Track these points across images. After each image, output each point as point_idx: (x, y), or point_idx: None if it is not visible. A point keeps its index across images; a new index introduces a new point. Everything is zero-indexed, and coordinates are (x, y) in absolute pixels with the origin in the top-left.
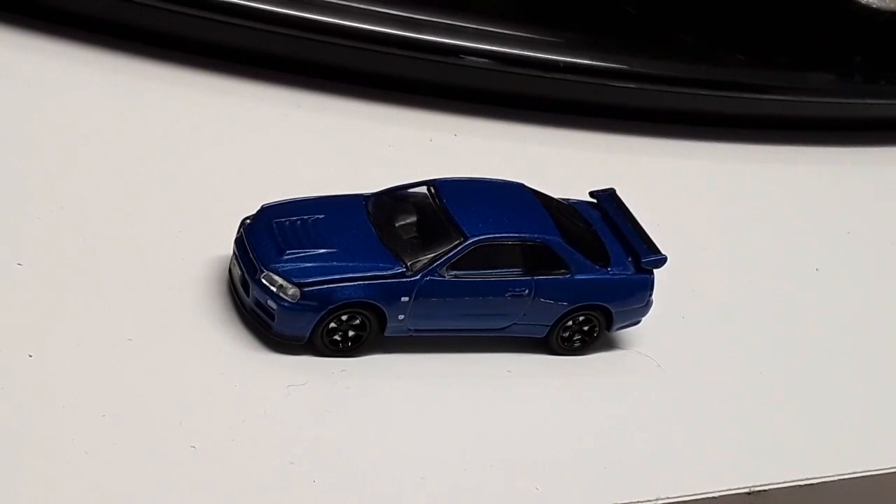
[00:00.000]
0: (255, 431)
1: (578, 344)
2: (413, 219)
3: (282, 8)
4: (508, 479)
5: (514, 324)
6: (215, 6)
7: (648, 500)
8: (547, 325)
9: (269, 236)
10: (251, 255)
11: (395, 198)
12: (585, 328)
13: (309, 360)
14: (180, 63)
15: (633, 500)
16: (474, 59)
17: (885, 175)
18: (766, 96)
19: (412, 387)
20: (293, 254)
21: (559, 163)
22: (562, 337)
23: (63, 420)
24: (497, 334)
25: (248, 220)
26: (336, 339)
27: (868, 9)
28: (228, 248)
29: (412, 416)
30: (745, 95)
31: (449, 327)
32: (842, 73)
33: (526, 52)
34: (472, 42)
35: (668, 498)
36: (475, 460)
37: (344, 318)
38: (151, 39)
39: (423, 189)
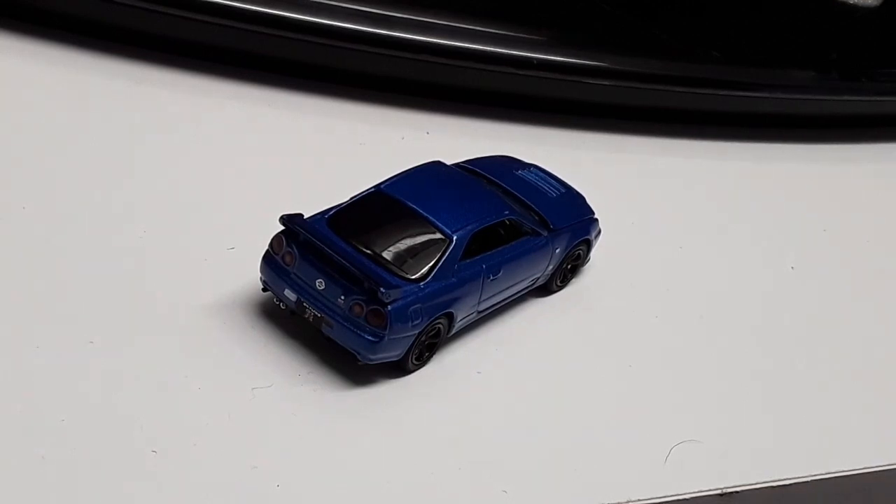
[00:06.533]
0: (218, 435)
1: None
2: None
3: (251, 5)
4: (476, 481)
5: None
6: (184, 3)
7: (619, 503)
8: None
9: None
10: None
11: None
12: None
13: (273, 362)
14: (146, 60)
15: (604, 503)
16: (447, 56)
17: (861, 173)
18: (741, 93)
19: (379, 389)
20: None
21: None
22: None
23: (19, 424)
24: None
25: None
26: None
27: (845, 5)
28: (191, 248)
29: (379, 418)
30: (720, 92)
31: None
32: (819, 69)
33: (499, 50)
34: (445, 39)
35: (639, 499)
36: (443, 463)
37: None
38: (114, 36)
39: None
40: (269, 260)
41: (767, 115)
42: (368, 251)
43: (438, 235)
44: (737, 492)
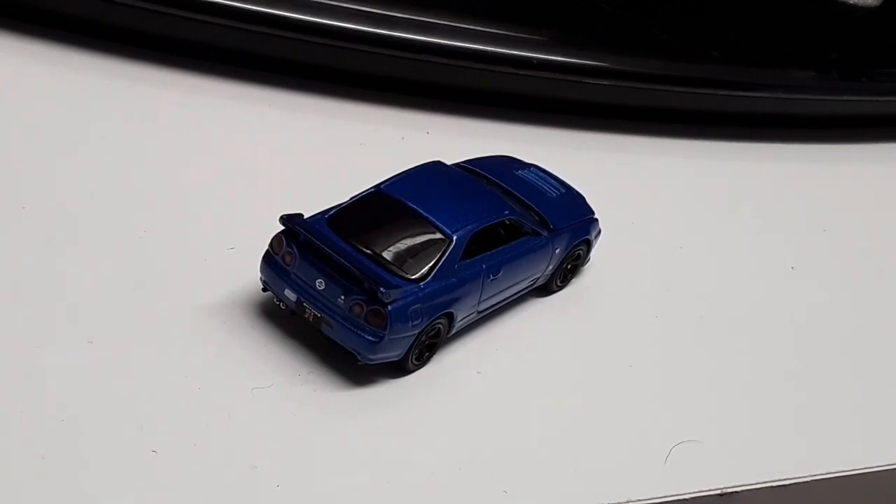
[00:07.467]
0: (218, 435)
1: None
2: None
3: (251, 5)
4: (476, 481)
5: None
6: (184, 3)
7: (619, 502)
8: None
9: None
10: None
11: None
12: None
13: (273, 362)
14: (146, 60)
15: (604, 503)
16: (447, 56)
17: (862, 173)
18: (741, 93)
19: (379, 389)
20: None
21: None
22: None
23: (19, 424)
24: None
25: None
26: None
27: (845, 5)
28: (191, 248)
29: (379, 418)
30: (720, 92)
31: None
32: (819, 69)
33: (499, 50)
34: (445, 39)
35: (639, 499)
36: (443, 463)
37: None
38: (114, 36)
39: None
40: (269, 260)
41: (767, 115)
42: (368, 251)
43: (438, 235)
44: (737, 492)
